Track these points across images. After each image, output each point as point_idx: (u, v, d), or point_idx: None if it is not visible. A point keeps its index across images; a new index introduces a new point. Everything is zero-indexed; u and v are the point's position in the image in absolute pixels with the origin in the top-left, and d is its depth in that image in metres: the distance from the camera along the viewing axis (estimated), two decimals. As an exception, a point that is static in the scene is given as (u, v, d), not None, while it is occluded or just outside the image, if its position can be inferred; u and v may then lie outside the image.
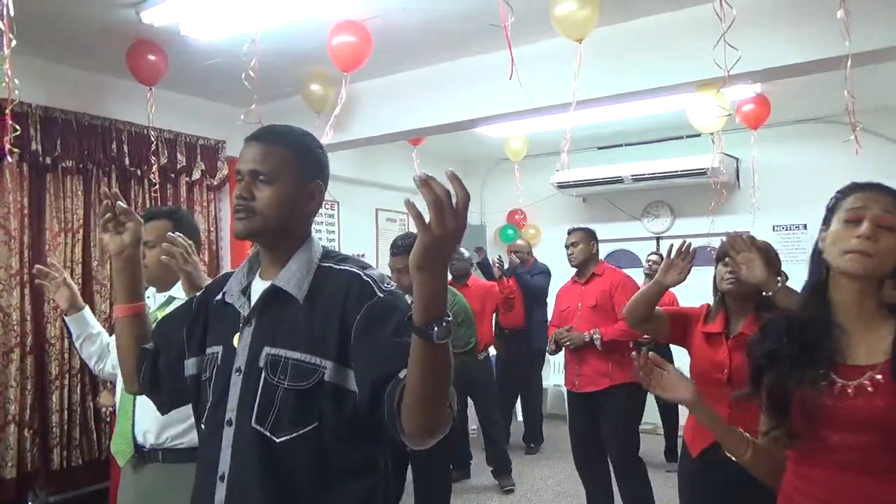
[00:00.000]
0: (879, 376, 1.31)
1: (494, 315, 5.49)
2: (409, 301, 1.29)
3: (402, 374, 1.15)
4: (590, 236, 3.93)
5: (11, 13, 2.46)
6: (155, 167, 4.51)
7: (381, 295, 1.28)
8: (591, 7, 3.22)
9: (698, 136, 4.94)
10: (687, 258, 2.32)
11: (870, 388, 1.31)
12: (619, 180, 6.45)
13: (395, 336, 1.19)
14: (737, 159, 6.20)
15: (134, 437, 1.97)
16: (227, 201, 5.33)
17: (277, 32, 3.49)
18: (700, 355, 2.40)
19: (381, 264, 6.00)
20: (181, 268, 1.83)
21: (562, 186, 6.71)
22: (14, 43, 2.55)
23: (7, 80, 2.49)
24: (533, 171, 6.61)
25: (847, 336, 1.37)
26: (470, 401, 5.04)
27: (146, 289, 2.20)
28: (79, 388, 4.22)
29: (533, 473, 5.29)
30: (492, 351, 5.62)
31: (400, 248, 3.31)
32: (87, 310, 2.28)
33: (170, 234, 1.88)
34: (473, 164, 7.72)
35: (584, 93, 3.36)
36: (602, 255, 4.16)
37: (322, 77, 4.24)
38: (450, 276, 5.02)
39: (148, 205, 4.65)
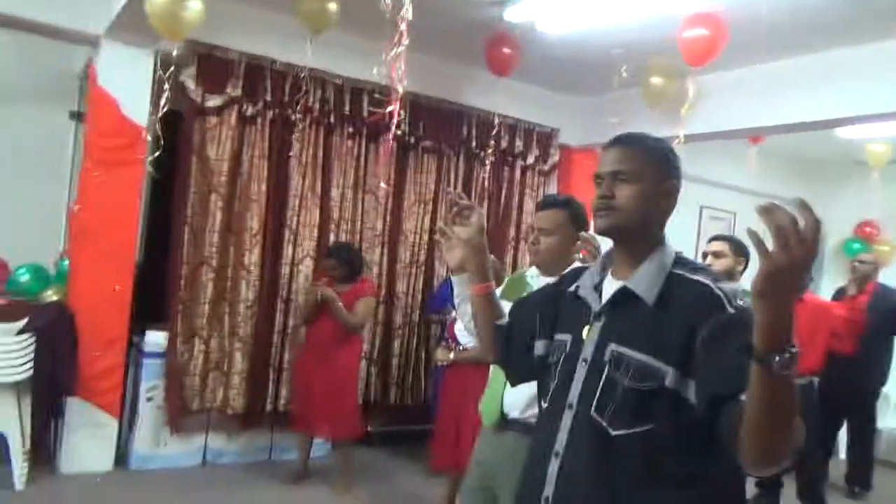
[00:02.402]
0: None
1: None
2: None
3: (742, 397, 1.12)
4: None
5: (410, 16, 2.88)
6: (491, 150, 4.96)
7: (732, 310, 1.27)
8: None
9: None
10: None
11: None
12: None
13: (739, 354, 1.13)
14: None
15: (502, 405, 2.21)
16: (553, 187, 5.58)
17: (622, 26, 3.53)
18: None
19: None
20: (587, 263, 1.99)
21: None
22: (407, 41, 2.98)
23: (401, 73, 2.92)
24: (893, 179, 5.72)
25: None
26: None
27: (531, 268, 2.41)
28: (415, 339, 4.90)
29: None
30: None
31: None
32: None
33: (585, 234, 2.11)
34: (818, 164, 6.92)
35: None
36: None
37: (664, 69, 4.19)
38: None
39: (486, 185, 5.12)
